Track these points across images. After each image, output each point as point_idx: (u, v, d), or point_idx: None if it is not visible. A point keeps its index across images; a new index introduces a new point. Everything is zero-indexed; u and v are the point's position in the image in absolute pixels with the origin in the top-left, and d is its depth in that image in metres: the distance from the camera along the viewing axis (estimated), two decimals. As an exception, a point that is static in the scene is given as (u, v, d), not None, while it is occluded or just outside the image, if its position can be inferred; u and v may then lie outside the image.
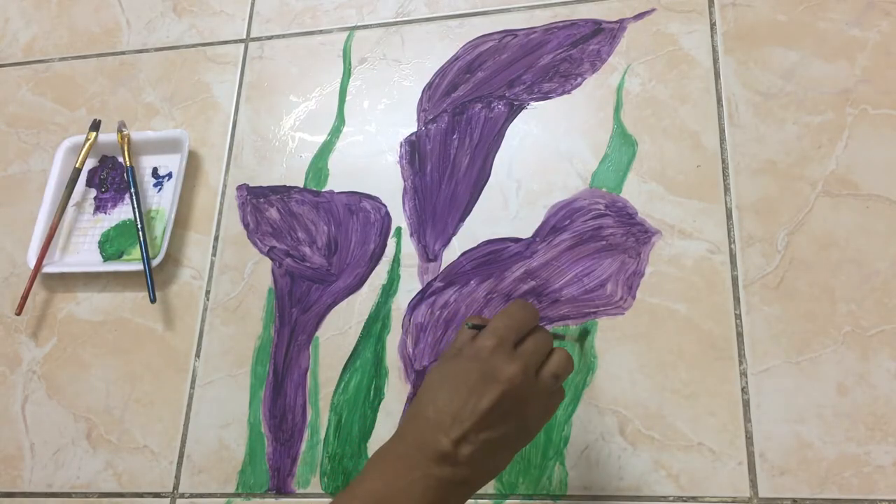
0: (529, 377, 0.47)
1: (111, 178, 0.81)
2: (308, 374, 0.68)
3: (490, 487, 0.61)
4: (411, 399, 0.65)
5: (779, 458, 0.57)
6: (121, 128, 0.79)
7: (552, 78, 0.73)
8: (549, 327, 0.64)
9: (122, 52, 0.88)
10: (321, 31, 0.82)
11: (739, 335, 0.61)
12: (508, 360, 0.46)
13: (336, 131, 0.77)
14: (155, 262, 0.73)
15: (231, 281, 0.73)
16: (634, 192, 0.67)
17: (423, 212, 0.71)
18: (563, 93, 0.73)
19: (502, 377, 0.46)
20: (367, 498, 0.44)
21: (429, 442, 0.45)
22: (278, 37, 0.83)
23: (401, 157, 0.74)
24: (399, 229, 0.71)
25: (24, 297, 0.75)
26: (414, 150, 0.74)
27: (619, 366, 0.62)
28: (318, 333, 0.69)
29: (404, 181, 0.73)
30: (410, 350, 0.67)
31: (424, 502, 0.44)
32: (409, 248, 0.70)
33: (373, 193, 0.73)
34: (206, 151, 0.80)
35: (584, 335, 0.63)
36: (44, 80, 0.89)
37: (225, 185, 0.78)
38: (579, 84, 0.72)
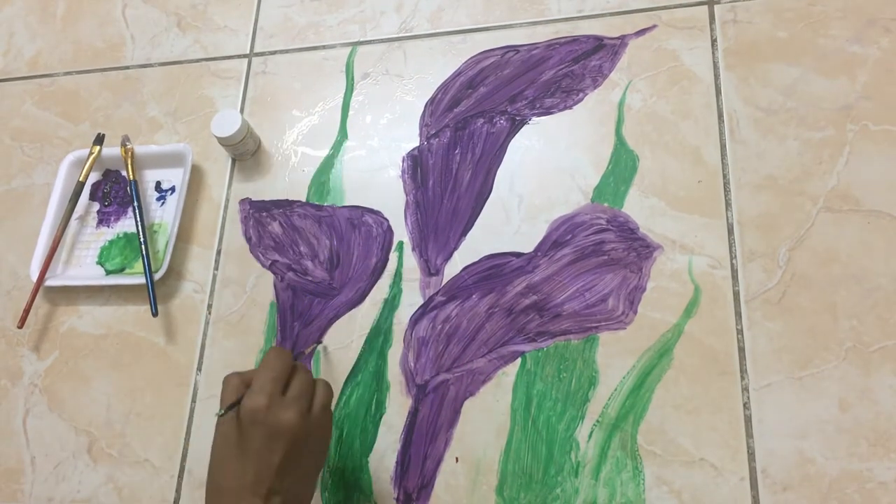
0: (306, 418, 0.51)
1: (114, 191, 0.81)
2: (309, 388, 0.68)
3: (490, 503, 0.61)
4: (412, 413, 0.65)
5: (781, 474, 0.57)
6: (124, 142, 0.79)
7: (554, 93, 0.74)
8: (548, 342, 0.64)
9: (127, 67, 0.88)
10: (324, 47, 0.83)
11: (741, 350, 0.61)
12: (284, 410, 0.50)
13: (339, 146, 0.77)
14: (157, 276, 0.73)
15: (233, 295, 0.73)
16: (636, 207, 0.67)
17: (425, 226, 0.72)
18: (565, 108, 0.73)
19: (284, 429, 0.50)
20: None
21: None
22: (282, 52, 0.84)
23: (403, 172, 0.74)
24: (401, 243, 0.71)
25: (27, 311, 0.75)
26: (416, 165, 0.74)
27: (621, 380, 0.62)
28: (319, 347, 0.69)
29: (406, 195, 0.73)
30: (412, 364, 0.67)
31: None
32: (411, 262, 0.70)
33: (375, 208, 0.73)
34: (208, 165, 0.80)
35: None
36: (48, 95, 0.89)
37: (227, 199, 0.78)
38: (581, 99, 0.73)
